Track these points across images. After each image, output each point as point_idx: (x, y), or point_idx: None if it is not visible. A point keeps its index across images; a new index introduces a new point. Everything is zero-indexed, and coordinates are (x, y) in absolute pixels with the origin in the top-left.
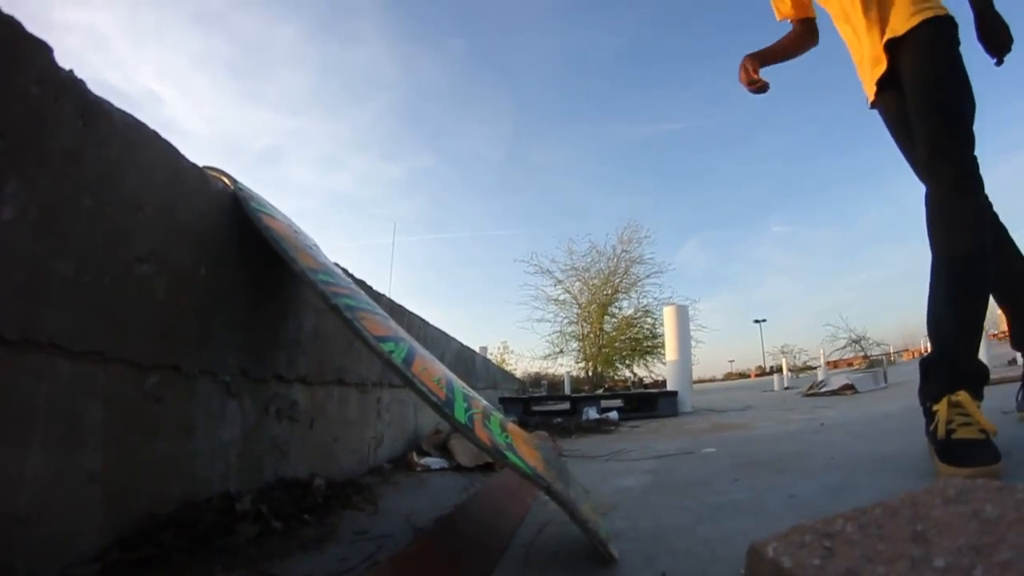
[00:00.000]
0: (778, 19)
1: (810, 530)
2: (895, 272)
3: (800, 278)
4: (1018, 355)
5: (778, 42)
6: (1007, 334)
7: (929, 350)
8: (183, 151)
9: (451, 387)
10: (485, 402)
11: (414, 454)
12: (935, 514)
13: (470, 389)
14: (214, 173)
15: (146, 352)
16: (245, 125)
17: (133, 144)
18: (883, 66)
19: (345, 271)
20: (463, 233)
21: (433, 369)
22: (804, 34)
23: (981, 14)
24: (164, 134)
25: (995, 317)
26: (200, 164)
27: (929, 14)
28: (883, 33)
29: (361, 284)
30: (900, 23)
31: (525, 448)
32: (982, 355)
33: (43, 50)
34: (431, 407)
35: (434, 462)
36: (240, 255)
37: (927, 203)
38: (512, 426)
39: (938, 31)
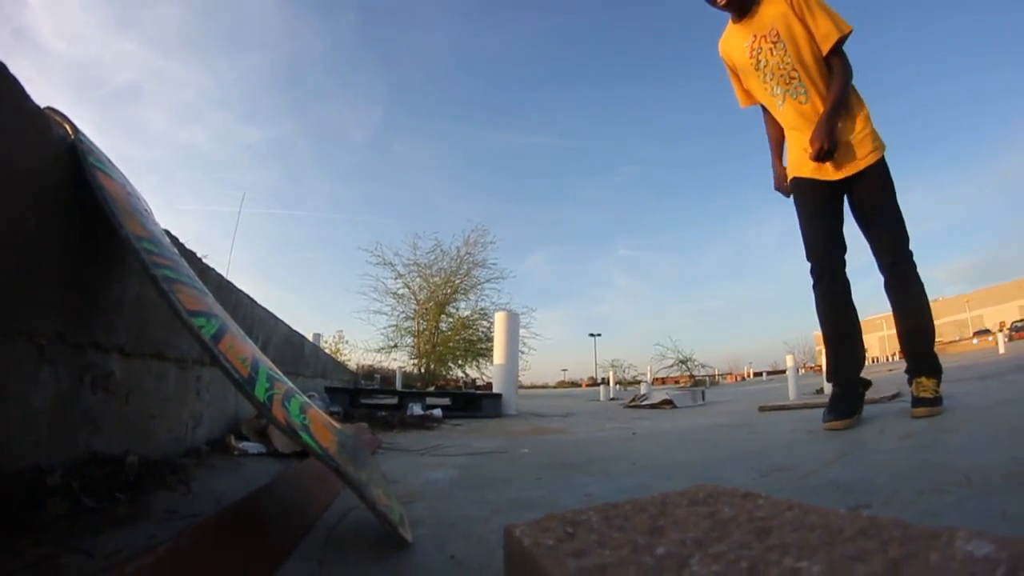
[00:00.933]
0: (742, 107)
1: (560, 518)
2: (725, 305)
3: (639, 300)
4: (825, 386)
5: (768, 130)
6: (821, 368)
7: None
8: (35, 69)
9: (256, 367)
10: (291, 385)
11: (232, 437)
12: (678, 512)
13: (279, 373)
14: (56, 118)
15: None
16: (109, 53)
17: None
18: (832, 174)
19: (175, 240)
20: (313, 213)
21: (241, 348)
22: (770, 116)
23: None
24: (16, 44)
25: (814, 352)
26: (43, 106)
27: (880, 152)
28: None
29: (190, 255)
30: (862, 158)
31: (321, 431)
32: (792, 386)
33: None
34: (233, 384)
35: (252, 447)
36: (71, 211)
37: (904, 276)
38: (313, 411)
39: (884, 168)
